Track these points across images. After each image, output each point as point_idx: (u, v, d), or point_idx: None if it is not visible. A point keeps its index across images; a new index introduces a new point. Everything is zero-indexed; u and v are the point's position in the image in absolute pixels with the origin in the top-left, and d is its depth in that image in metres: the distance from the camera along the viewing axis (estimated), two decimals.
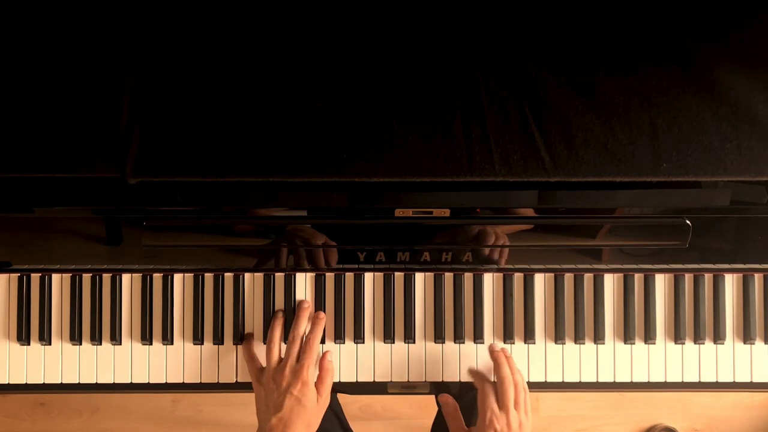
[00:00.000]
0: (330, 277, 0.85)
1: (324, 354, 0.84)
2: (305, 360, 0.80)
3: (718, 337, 0.85)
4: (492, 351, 0.84)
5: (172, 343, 0.86)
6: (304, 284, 0.86)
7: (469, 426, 0.82)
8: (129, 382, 0.86)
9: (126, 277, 0.86)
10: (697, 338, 0.85)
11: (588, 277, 0.86)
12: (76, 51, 0.76)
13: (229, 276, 0.86)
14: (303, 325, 0.83)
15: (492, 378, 0.83)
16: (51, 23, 0.77)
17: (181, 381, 0.86)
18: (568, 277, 0.86)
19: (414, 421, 1.62)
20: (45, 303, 0.85)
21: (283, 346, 0.83)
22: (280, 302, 0.86)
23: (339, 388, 0.86)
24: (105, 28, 0.76)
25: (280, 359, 0.81)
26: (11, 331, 0.86)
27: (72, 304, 0.85)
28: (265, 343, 0.85)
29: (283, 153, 0.73)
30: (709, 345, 0.86)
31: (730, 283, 0.86)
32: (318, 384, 0.81)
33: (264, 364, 0.83)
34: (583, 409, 1.64)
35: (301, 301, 0.85)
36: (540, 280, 0.86)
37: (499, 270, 0.85)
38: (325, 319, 0.85)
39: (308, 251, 0.84)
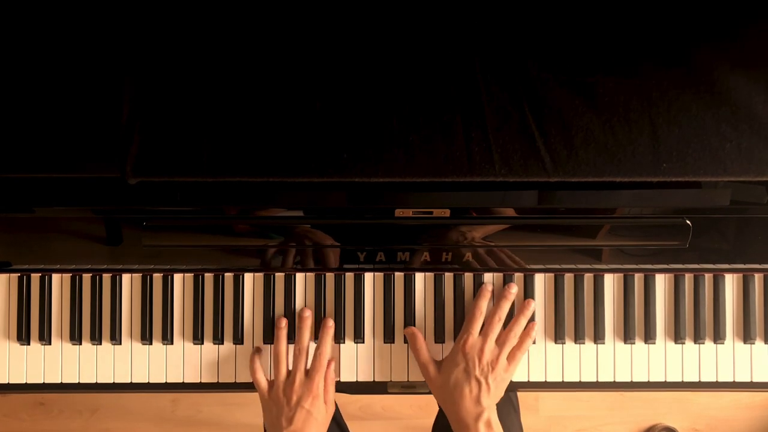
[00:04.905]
0: (330, 277, 0.85)
1: (329, 366, 0.84)
2: (315, 375, 0.80)
3: (718, 337, 0.85)
4: (506, 289, 0.83)
5: (172, 343, 0.86)
6: (303, 284, 0.86)
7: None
8: (129, 382, 0.86)
9: (126, 277, 0.86)
10: (697, 338, 0.85)
11: (588, 277, 0.86)
12: (75, 51, 0.76)
13: (229, 276, 0.86)
14: (306, 337, 0.83)
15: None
16: (51, 23, 0.76)
17: (181, 381, 0.86)
18: (568, 277, 0.86)
19: (414, 421, 1.62)
20: (45, 303, 0.85)
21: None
22: (280, 302, 0.86)
23: (339, 388, 0.86)
24: (105, 27, 0.76)
25: (288, 372, 0.82)
26: (11, 331, 0.86)
27: (72, 304, 0.85)
28: (265, 343, 0.85)
29: (282, 153, 0.73)
30: (709, 345, 0.86)
31: (730, 283, 0.86)
32: (324, 395, 0.82)
33: (270, 377, 0.83)
34: (583, 409, 1.64)
35: (301, 311, 0.84)
36: (540, 280, 0.86)
37: (499, 270, 0.85)
38: (333, 327, 0.84)
39: (309, 251, 0.84)
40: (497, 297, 0.84)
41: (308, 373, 0.81)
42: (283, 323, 0.84)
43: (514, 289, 0.84)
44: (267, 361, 0.86)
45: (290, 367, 0.82)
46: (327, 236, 0.82)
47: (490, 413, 0.77)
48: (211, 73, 0.75)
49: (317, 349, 0.82)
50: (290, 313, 0.85)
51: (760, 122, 0.73)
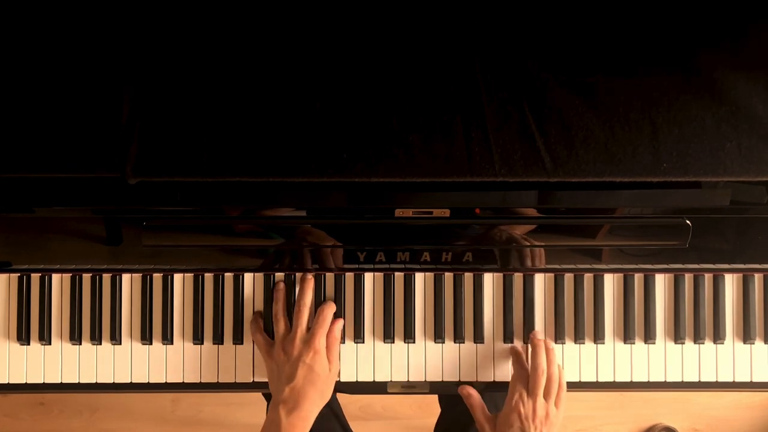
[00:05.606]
0: (330, 277, 0.85)
1: (335, 322, 0.84)
2: (317, 329, 0.80)
3: (718, 337, 0.85)
4: (533, 338, 0.83)
5: (172, 343, 0.86)
6: None
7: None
8: (129, 382, 0.86)
9: (126, 277, 0.86)
10: (697, 338, 0.85)
11: (588, 277, 0.86)
12: (76, 51, 0.76)
13: (229, 276, 0.86)
14: (308, 295, 0.83)
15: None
16: (51, 23, 0.76)
17: (181, 381, 0.86)
18: (568, 277, 0.86)
19: (414, 421, 1.62)
20: (45, 303, 0.85)
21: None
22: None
23: (339, 388, 0.86)
24: (105, 27, 0.76)
25: (288, 331, 0.82)
26: (11, 331, 0.86)
27: (72, 304, 0.85)
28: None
29: (282, 153, 0.73)
30: (709, 345, 0.86)
31: (730, 283, 0.86)
32: (327, 353, 0.81)
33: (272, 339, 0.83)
34: (583, 409, 1.64)
35: (304, 273, 0.84)
36: (540, 280, 0.86)
37: (499, 270, 0.85)
38: (335, 307, 0.84)
39: (310, 252, 0.84)
40: (533, 352, 0.82)
41: (309, 329, 0.81)
42: (281, 286, 0.84)
43: (540, 335, 0.84)
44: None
45: (290, 326, 0.82)
46: (327, 236, 0.82)
47: None
48: (211, 74, 0.75)
49: (320, 309, 0.83)
50: (289, 312, 0.85)
51: (760, 122, 0.73)
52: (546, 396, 0.80)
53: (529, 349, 0.83)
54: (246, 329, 0.85)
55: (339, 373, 0.85)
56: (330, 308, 0.83)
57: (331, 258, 0.84)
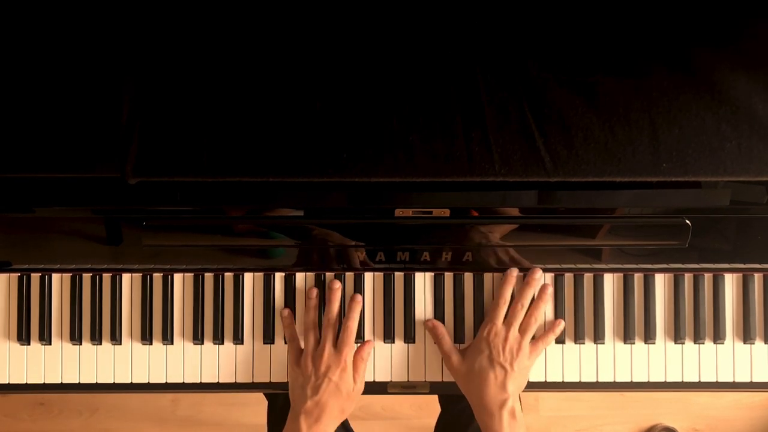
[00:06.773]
0: (330, 276, 0.85)
1: (366, 343, 0.84)
2: (344, 346, 0.80)
3: (717, 336, 0.85)
4: (530, 275, 0.83)
5: (172, 343, 0.86)
6: (304, 284, 0.86)
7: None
8: (129, 382, 0.86)
9: (126, 277, 0.86)
10: (697, 338, 0.85)
11: (588, 277, 0.86)
12: (76, 50, 0.76)
13: (229, 276, 0.86)
14: (336, 307, 0.83)
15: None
16: (51, 22, 0.77)
17: (181, 381, 0.86)
18: (568, 277, 0.86)
19: (414, 421, 1.62)
20: (45, 303, 0.85)
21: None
22: (280, 301, 0.86)
23: None
24: (105, 27, 0.76)
25: (317, 343, 0.82)
26: (11, 331, 0.86)
27: (72, 304, 0.85)
28: (265, 343, 0.85)
29: (282, 153, 0.73)
30: (708, 345, 0.86)
31: (730, 282, 0.86)
32: (353, 371, 0.82)
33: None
34: (583, 409, 1.64)
35: (331, 282, 0.84)
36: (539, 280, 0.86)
37: (498, 270, 0.85)
38: (361, 302, 0.84)
39: (309, 252, 0.84)
40: (522, 284, 0.83)
41: (337, 345, 0.81)
42: (314, 293, 0.84)
43: (539, 275, 0.83)
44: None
45: (320, 338, 0.83)
46: (330, 235, 0.82)
47: (514, 402, 0.77)
48: (212, 74, 0.75)
49: (345, 322, 0.82)
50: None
51: (760, 122, 0.73)
52: (522, 331, 0.81)
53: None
54: (246, 329, 0.86)
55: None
56: (353, 321, 0.83)
57: (330, 258, 0.84)
